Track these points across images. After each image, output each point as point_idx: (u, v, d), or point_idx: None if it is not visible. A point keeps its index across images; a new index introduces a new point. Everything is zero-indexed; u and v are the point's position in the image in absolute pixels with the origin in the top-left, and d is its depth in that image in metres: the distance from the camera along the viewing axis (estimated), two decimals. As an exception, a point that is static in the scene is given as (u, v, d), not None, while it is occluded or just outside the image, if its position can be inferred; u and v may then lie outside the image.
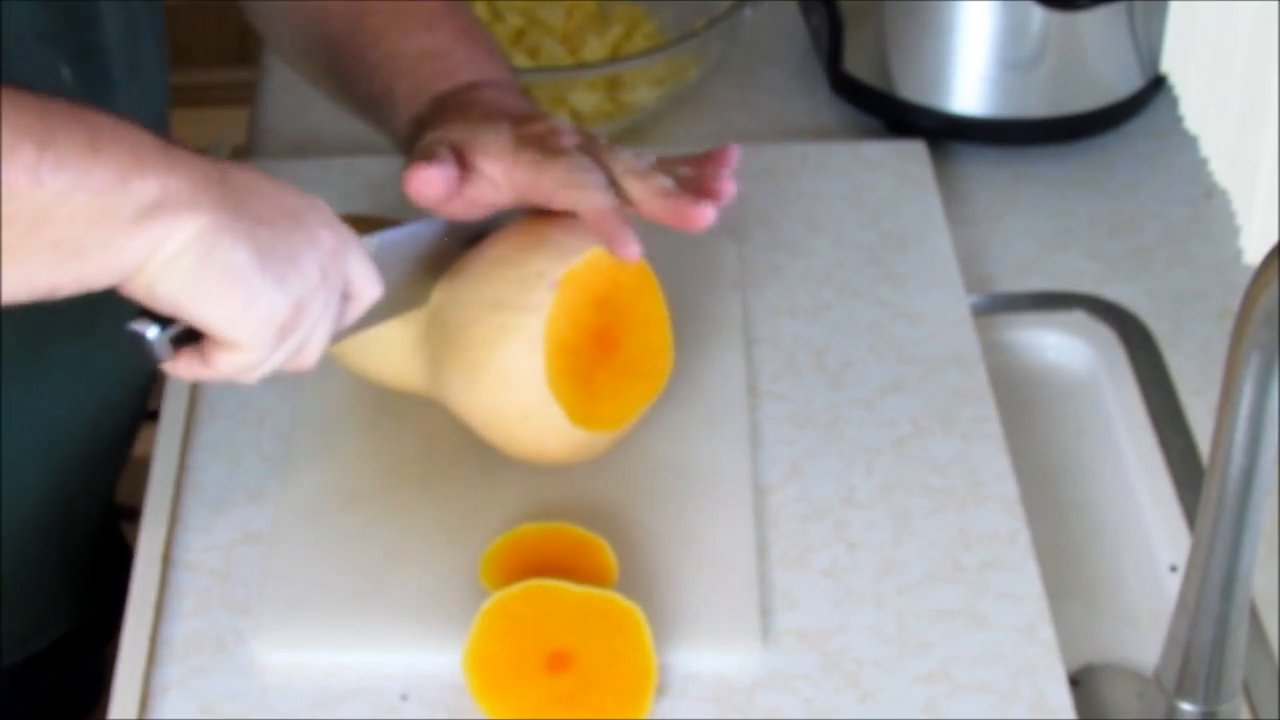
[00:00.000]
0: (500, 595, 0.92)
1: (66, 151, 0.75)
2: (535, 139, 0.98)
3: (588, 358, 0.96)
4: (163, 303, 0.80)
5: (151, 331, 0.82)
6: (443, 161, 0.95)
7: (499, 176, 0.97)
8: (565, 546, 0.96)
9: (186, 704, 0.92)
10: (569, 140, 0.98)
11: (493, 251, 0.97)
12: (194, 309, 0.80)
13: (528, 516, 0.99)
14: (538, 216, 0.98)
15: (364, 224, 1.04)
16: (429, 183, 0.94)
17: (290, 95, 1.36)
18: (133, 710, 0.92)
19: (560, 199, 0.97)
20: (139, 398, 1.10)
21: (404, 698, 0.92)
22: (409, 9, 1.04)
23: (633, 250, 0.97)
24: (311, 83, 1.11)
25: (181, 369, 0.83)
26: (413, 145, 0.99)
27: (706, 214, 0.97)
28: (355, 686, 0.93)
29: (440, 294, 0.98)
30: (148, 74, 1.01)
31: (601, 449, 0.99)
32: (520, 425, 0.96)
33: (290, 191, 0.84)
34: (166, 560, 0.99)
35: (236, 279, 0.80)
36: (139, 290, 0.79)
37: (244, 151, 1.30)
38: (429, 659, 0.93)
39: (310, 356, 0.86)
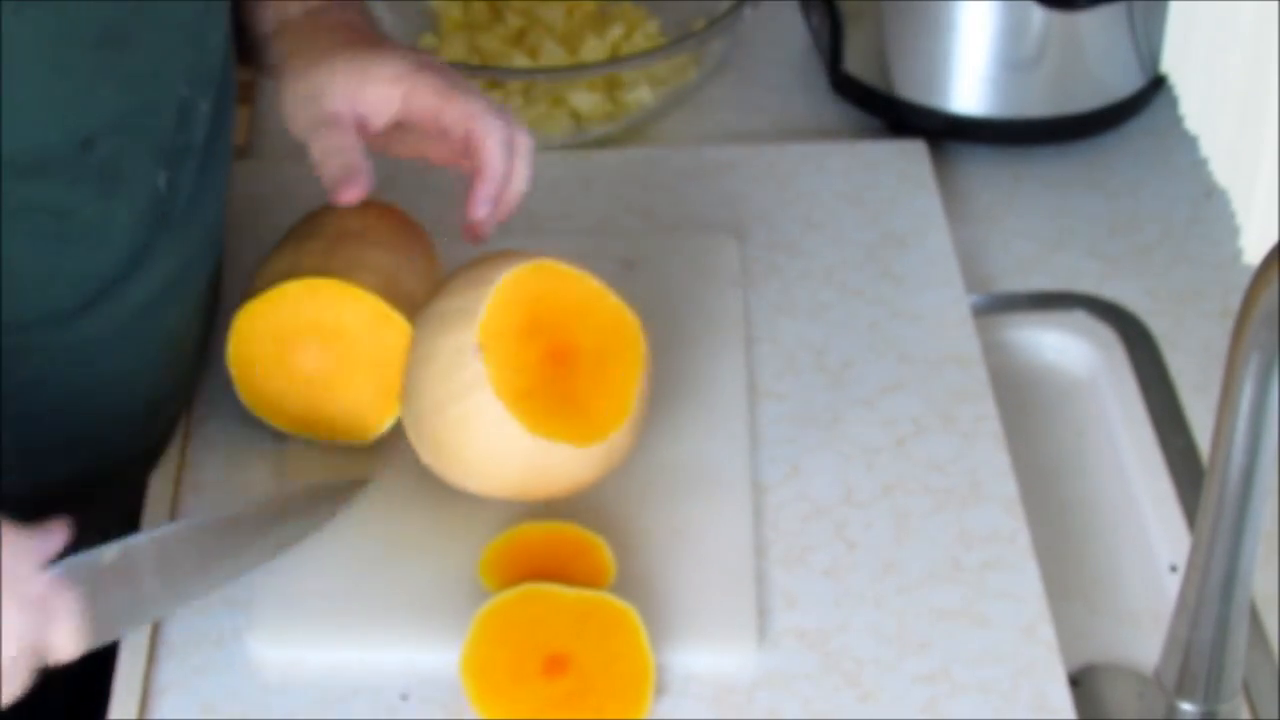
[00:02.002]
0: (495, 600, 0.92)
1: None
2: (433, 67, 1.01)
3: (549, 377, 0.95)
4: None
5: None
6: (360, 175, 1.00)
7: (396, 100, 1.01)
8: (564, 546, 0.96)
9: (186, 703, 0.92)
10: (469, 81, 1.02)
11: (412, 356, 0.97)
12: None
13: (527, 516, 0.99)
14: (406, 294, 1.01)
15: (379, 212, 1.04)
16: (359, 194, 1.01)
17: (290, 95, 1.36)
18: (133, 709, 0.92)
19: (475, 131, 1.00)
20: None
21: (404, 697, 0.92)
22: None
23: (481, 231, 1.02)
24: None
25: None
26: (261, 57, 1.05)
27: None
28: (355, 686, 0.93)
29: (405, 420, 0.99)
30: (225, 165, 1.03)
31: (606, 461, 0.97)
32: (524, 475, 0.95)
33: None
34: (166, 560, 0.99)
35: None
36: None
37: (244, 151, 1.30)
38: (429, 658, 0.93)
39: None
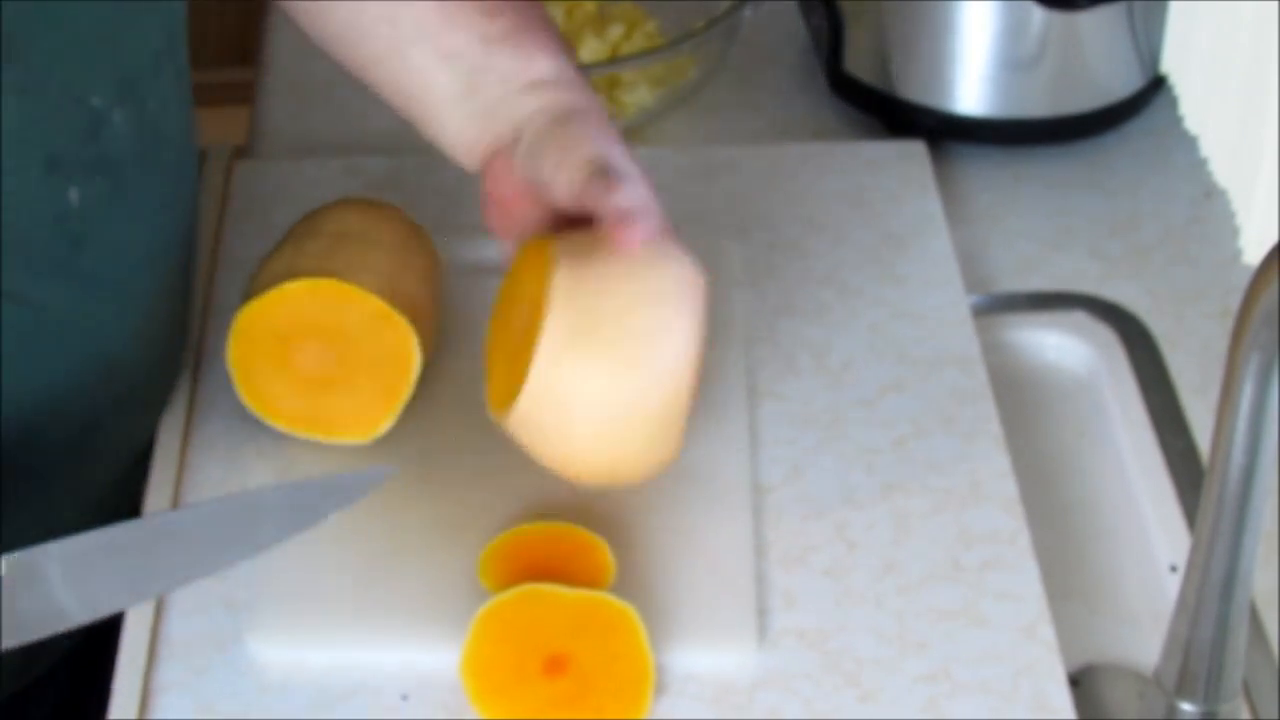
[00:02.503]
0: (494, 601, 0.92)
1: None
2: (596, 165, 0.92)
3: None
4: None
5: None
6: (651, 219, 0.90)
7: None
8: (563, 546, 0.96)
9: (186, 703, 0.92)
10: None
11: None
12: None
13: (526, 516, 0.99)
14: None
15: (380, 213, 1.04)
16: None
17: (290, 95, 1.36)
18: (133, 710, 0.92)
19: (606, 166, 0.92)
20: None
21: (404, 698, 0.92)
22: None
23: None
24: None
25: None
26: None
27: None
28: (355, 686, 0.93)
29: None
30: (171, 173, 0.98)
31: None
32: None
33: None
34: (166, 560, 0.99)
35: None
36: None
37: (244, 151, 1.30)
38: (429, 658, 0.93)
39: None
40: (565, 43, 1.00)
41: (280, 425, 1.03)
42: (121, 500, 1.06)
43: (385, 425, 1.02)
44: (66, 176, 0.89)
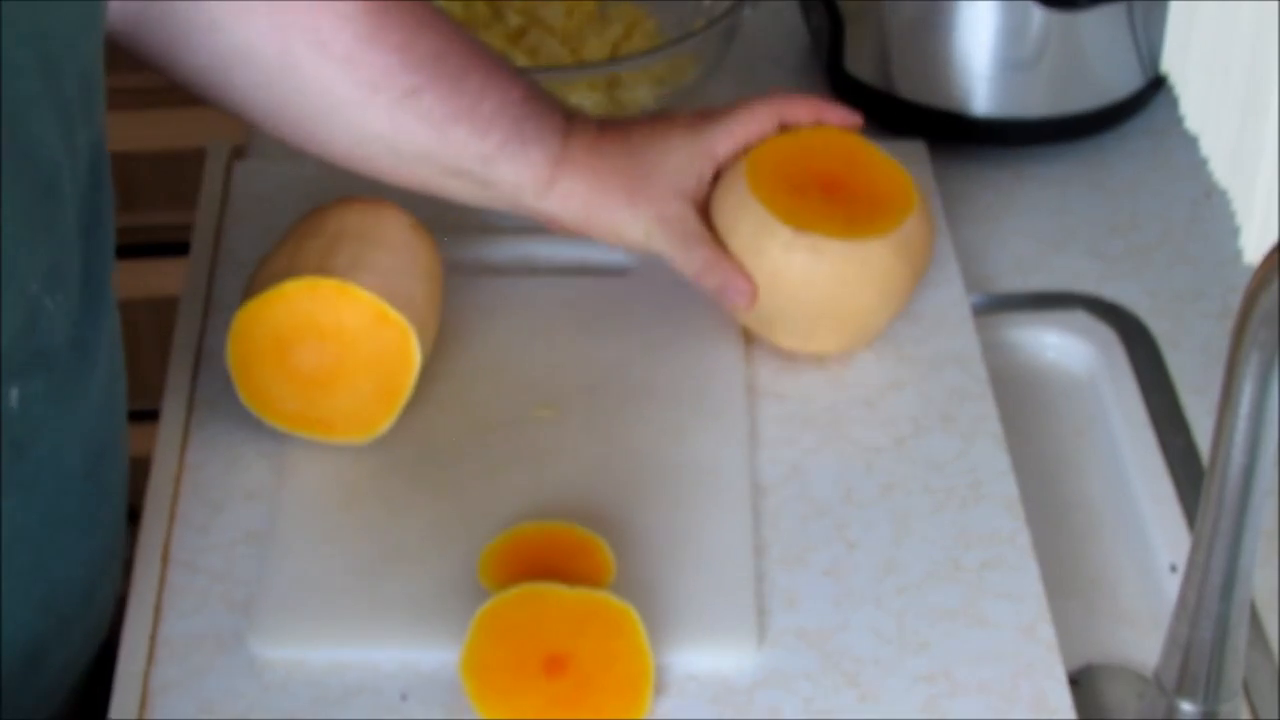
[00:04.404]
0: (494, 600, 0.92)
1: None
2: (671, 219, 1.06)
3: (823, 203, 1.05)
4: None
5: None
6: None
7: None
8: (563, 546, 0.96)
9: (186, 703, 0.92)
10: None
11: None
12: None
13: (526, 515, 0.99)
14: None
15: (380, 212, 1.04)
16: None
17: (290, 95, 1.36)
18: (133, 710, 0.92)
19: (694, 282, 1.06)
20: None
21: (404, 697, 0.92)
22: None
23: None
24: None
25: None
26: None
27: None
28: (355, 686, 0.93)
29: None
30: (103, 365, 0.92)
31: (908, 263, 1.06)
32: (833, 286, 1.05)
33: None
34: (166, 560, 0.99)
35: None
36: None
37: (244, 151, 1.30)
38: (429, 658, 0.93)
39: None
40: (557, 104, 1.07)
41: (279, 425, 1.03)
42: None
43: (385, 425, 1.02)
44: (8, 375, 0.82)
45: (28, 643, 0.90)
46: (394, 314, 1.00)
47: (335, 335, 1.00)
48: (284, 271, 1.01)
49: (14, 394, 0.82)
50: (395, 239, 1.04)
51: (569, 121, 1.06)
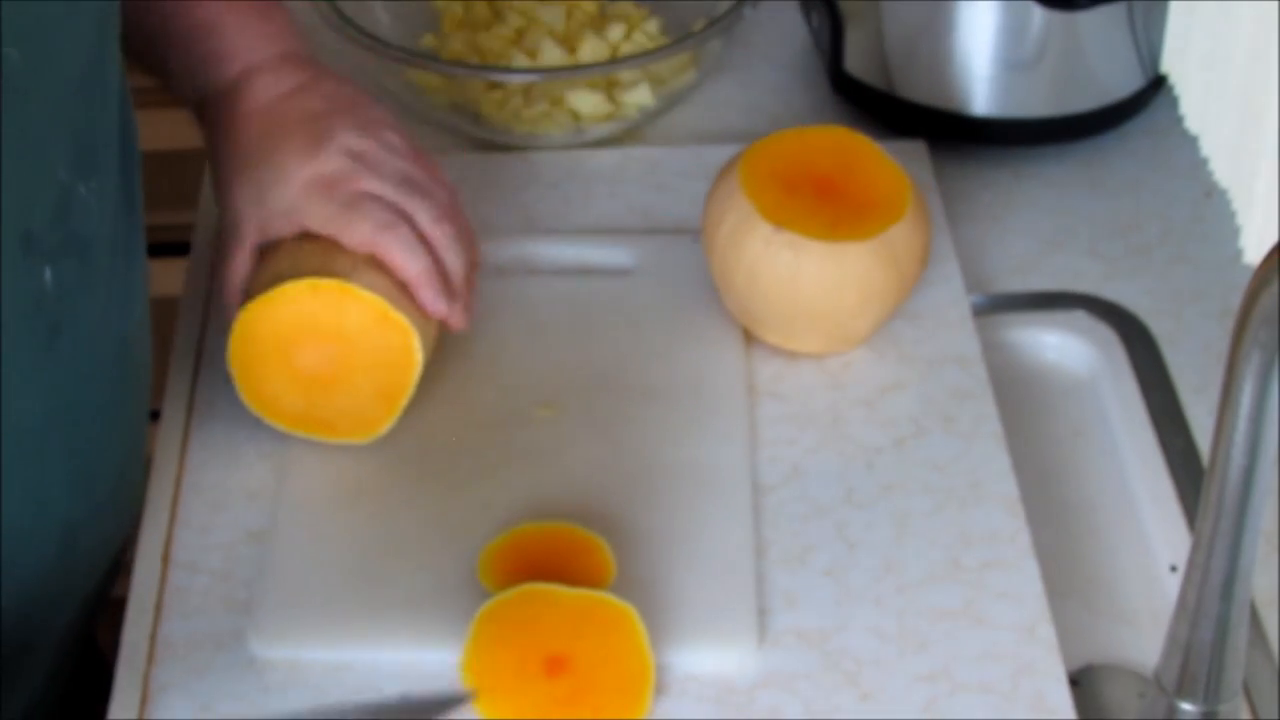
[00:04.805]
0: (495, 601, 0.92)
1: None
2: (325, 186, 1.00)
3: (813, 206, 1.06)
4: None
5: None
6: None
7: (295, 228, 1.02)
8: (564, 546, 0.96)
9: (186, 703, 0.92)
10: (369, 182, 1.00)
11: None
12: None
13: (527, 515, 0.99)
14: None
15: None
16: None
17: (290, 95, 1.36)
18: (133, 710, 0.92)
19: (377, 253, 1.00)
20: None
21: (404, 698, 0.92)
22: None
23: (454, 320, 1.02)
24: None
25: None
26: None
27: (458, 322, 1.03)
28: (355, 686, 0.93)
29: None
30: (129, 262, 0.97)
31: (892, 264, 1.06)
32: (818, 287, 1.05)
33: None
34: (166, 560, 0.99)
35: None
36: None
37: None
38: (429, 658, 0.93)
39: None
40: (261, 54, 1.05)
41: (281, 425, 1.03)
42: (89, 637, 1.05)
43: (386, 426, 1.02)
44: (41, 256, 0.86)
45: (63, 522, 0.94)
46: (395, 314, 1.00)
47: (337, 336, 1.00)
48: (286, 272, 1.01)
49: (48, 274, 0.86)
50: None
51: (217, 92, 1.04)
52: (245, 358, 1.01)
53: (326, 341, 1.00)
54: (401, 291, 1.01)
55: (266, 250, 1.03)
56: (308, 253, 1.02)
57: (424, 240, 1.01)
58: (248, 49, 1.04)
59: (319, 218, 1.01)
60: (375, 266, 1.01)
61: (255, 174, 1.01)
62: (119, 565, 1.04)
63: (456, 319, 1.03)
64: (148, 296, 1.00)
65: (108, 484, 0.97)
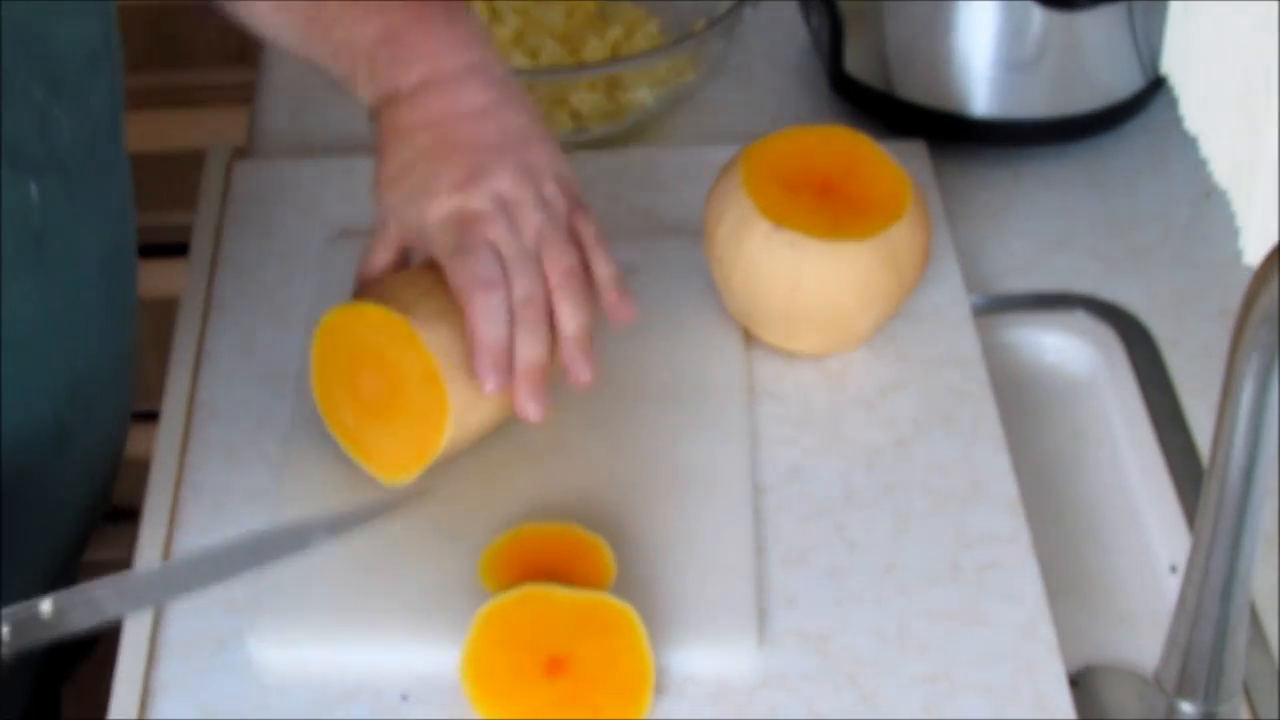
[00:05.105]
0: (494, 602, 0.92)
1: None
2: (461, 222, 0.96)
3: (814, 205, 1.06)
4: None
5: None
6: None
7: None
8: (564, 546, 0.96)
9: (186, 704, 0.93)
10: (499, 231, 0.96)
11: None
12: None
13: (527, 516, 0.99)
14: None
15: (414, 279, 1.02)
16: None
17: (290, 95, 1.36)
18: (132, 710, 0.92)
19: (462, 305, 0.96)
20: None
21: (404, 698, 0.92)
22: None
23: (516, 404, 0.97)
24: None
25: None
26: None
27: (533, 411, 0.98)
28: (355, 686, 0.93)
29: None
30: (111, 174, 0.99)
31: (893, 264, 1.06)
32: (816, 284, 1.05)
33: None
34: (166, 559, 0.99)
35: None
36: None
37: (244, 151, 1.30)
38: (429, 659, 0.93)
39: None
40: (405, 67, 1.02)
41: (334, 433, 1.01)
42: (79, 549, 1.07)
43: (411, 476, 0.99)
44: (26, 171, 0.91)
45: (56, 423, 0.98)
46: (440, 379, 0.96)
47: (393, 373, 0.98)
48: (393, 287, 0.99)
49: (33, 188, 0.91)
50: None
51: (395, 95, 1.02)
52: (322, 357, 1.00)
53: (385, 374, 0.98)
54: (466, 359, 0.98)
55: (418, 260, 1.02)
56: (418, 278, 0.99)
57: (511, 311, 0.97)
58: (432, 54, 1.00)
59: (441, 249, 0.97)
60: (455, 323, 0.98)
61: (410, 184, 0.98)
62: (111, 483, 1.08)
63: (520, 404, 0.97)
64: (135, 219, 1.03)
65: (99, 389, 1.01)
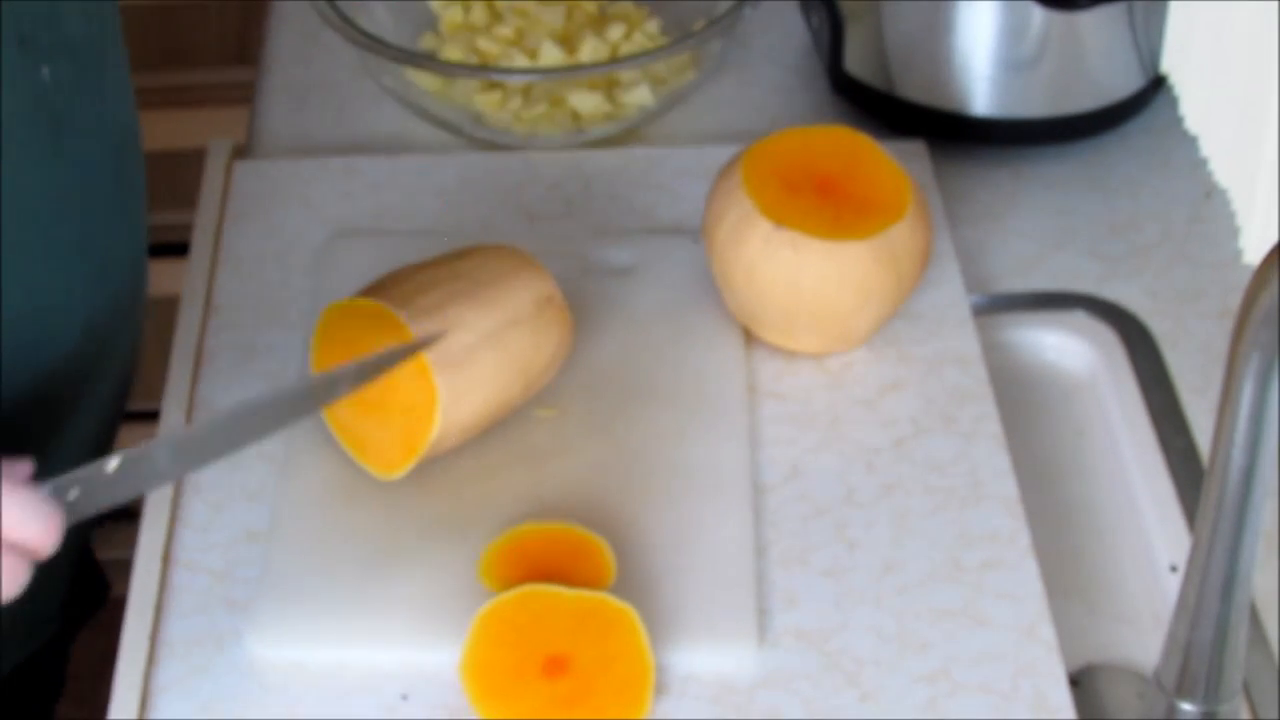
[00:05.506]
0: (494, 601, 0.92)
1: None
2: None
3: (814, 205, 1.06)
4: None
5: None
6: None
7: None
8: (564, 546, 0.96)
9: (186, 703, 0.93)
10: None
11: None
12: None
13: (527, 515, 0.99)
14: None
15: (519, 279, 1.02)
16: None
17: (290, 95, 1.36)
18: (132, 709, 0.92)
19: None
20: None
21: (404, 698, 0.92)
22: None
23: None
24: None
25: None
26: None
27: None
28: (355, 686, 0.93)
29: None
30: (115, 68, 1.02)
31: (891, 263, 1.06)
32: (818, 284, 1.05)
33: None
34: (166, 559, 0.99)
35: None
36: None
37: (244, 151, 1.30)
38: (429, 658, 0.93)
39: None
40: None
41: (331, 427, 1.01)
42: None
43: (402, 471, 0.99)
44: (37, 55, 0.93)
45: (85, 309, 1.00)
46: (431, 375, 0.97)
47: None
48: (389, 283, 0.99)
49: (45, 71, 0.94)
50: (511, 309, 1.01)
51: None
52: (321, 352, 1.01)
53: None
54: (488, 349, 0.99)
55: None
56: (420, 273, 1.00)
57: None
58: None
59: None
60: (453, 321, 0.98)
61: None
62: (132, 374, 1.11)
63: None
64: (135, 107, 1.06)
65: (120, 275, 1.03)
